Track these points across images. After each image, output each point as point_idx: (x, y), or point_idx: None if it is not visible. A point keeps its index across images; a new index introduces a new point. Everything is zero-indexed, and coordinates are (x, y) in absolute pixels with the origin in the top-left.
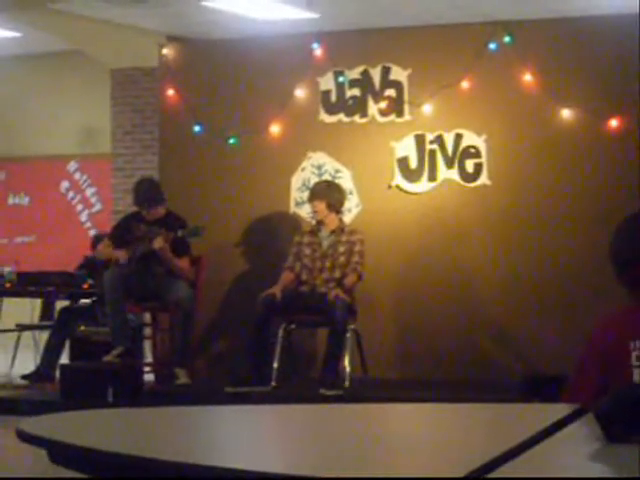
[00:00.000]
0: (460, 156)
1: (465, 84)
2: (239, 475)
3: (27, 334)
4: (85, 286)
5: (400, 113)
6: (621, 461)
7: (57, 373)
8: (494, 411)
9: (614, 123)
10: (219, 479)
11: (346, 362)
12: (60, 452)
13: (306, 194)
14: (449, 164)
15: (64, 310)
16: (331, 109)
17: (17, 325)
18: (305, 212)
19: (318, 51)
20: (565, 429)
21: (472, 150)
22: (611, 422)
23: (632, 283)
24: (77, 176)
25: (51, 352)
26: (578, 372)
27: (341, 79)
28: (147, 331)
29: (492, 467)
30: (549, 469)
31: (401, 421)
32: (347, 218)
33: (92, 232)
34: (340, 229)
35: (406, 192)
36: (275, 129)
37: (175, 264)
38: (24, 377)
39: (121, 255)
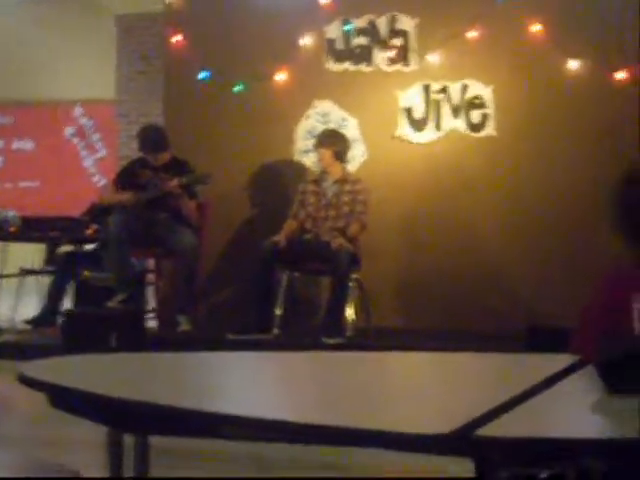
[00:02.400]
0: (466, 106)
1: (472, 34)
2: (238, 421)
3: (31, 279)
4: (89, 231)
5: (406, 62)
6: (621, 412)
7: (60, 318)
8: (496, 361)
9: (622, 74)
10: (218, 424)
11: (349, 311)
12: (61, 396)
13: (311, 142)
14: (455, 114)
15: (68, 255)
16: (337, 57)
17: (21, 269)
18: (310, 160)
19: None
20: (566, 380)
21: (478, 100)
22: (612, 373)
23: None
24: (82, 121)
25: (54, 297)
26: (582, 323)
27: (347, 27)
28: (150, 277)
29: (489, 418)
30: (546, 422)
31: (401, 369)
32: (352, 167)
33: (96, 178)
34: (344, 178)
35: (411, 142)
36: (281, 76)
37: (187, 206)
38: (27, 322)
39: (128, 198)
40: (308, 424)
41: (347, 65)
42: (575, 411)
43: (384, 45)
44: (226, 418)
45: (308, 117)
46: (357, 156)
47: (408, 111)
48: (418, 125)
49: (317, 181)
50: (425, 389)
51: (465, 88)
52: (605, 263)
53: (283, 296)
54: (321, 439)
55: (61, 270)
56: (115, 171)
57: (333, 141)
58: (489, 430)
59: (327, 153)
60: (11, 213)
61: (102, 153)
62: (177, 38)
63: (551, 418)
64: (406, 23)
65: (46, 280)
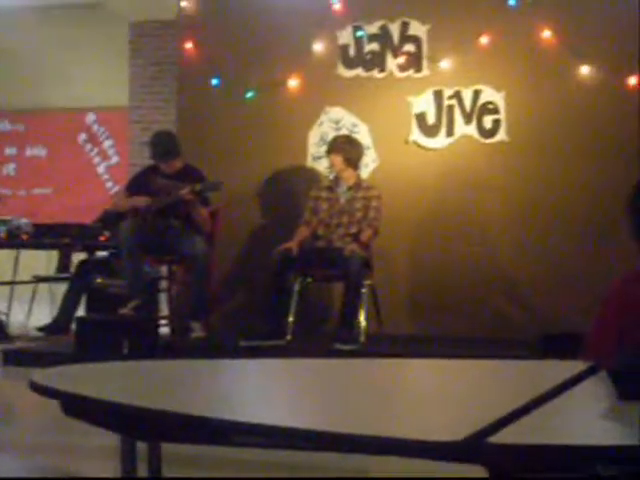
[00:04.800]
0: (478, 112)
1: (484, 40)
2: (250, 428)
3: (43, 286)
4: (102, 238)
5: (418, 68)
6: (633, 419)
7: (73, 325)
8: (509, 367)
9: (633, 80)
10: (230, 432)
11: (362, 317)
12: (74, 404)
13: (323, 148)
14: (467, 120)
15: (81, 262)
16: (349, 63)
17: (34, 277)
18: (322, 167)
19: (337, 5)
20: (578, 386)
21: (490, 106)
22: (624, 380)
23: None
24: (95, 128)
25: (68, 304)
26: (595, 329)
27: (360, 33)
28: (163, 284)
29: (501, 425)
30: (557, 428)
31: (415, 376)
32: (364, 173)
33: (109, 185)
34: (357, 184)
35: (423, 147)
36: (293, 83)
37: (200, 213)
38: (40, 329)
39: (141, 201)
40: (321, 431)
41: (359, 71)
42: (588, 417)
43: (396, 51)
44: (238, 426)
45: (321, 123)
46: (369, 162)
47: (420, 117)
48: (430, 131)
49: (330, 187)
50: (438, 396)
51: (477, 94)
52: (620, 269)
53: (296, 302)
54: (334, 446)
55: (74, 277)
56: (127, 178)
57: (345, 147)
58: (502, 437)
59: (339, 159)
60: (24, 220)
61: (115, 160)
62: (190, 45)
63: (564, 425)
64: (418, 29)
65: (59, 287)
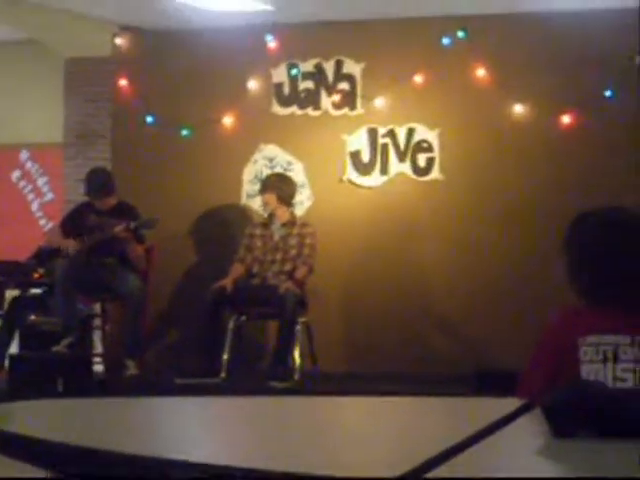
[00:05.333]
0: (412, 150)
1: (418, 78)
2: (183, 466)
3: None
4: (36, 276)
5: (353, 106)
6: (566, 456)
7: (6, 362)
8: (444, 404)
9: (566, 119)
10: (165, 470)
11: (296, 355)
12: (6, 442)
13: (258, 186)
14: (401, 158)
15: (14, 300)
16: (284, 101)
17: None
18: (257, 204)
19: (272, 43)
20: (512, 423)
21: (424, 144)
22: (558, 417)
23: (579, 292)
24: (29, 165)
25: (0, 341)
26: (530, 366)
27: (294, 71)
28: (97, 321)
29: (436, 463)
30: (493, 465)
31: (347, 414)
32: (299, 211)
33: (43, 222)
34: (291, 222)
35: (358, 186)
36: (228, 121)
37: (135, 250)
38: None
39: (70, 245)
40: (255, 469)
41: (294, 109)
42: (522, 454)
43: (331, 89)
44: (171, 463)
45: (255, 161)
46: (304, 200)
47: (355, 155)
48: (365, 169)
49: (264, 224)
50: (373, 433)
51: (411, 132)
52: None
53: (230, 340)
54: None
55: (7, 315)
56: (62, 215)
57: (278, 185)
58: (437, 474)
59: (272, 197)
60: None
61: (49, 197)
62: (124, 82)
63: (498, 461)
64: (352, 67)
65: None
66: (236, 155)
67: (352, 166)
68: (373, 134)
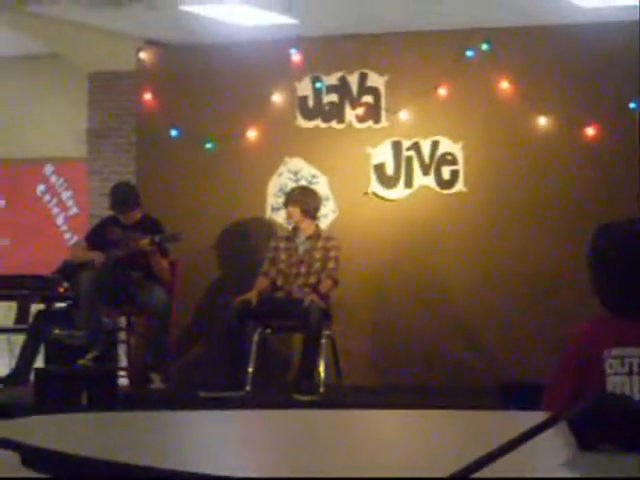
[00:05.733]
0: (437, 163)
1: (442, 91)
2: None
3: (2, 337)
4: (60, 290)
5: (377, 119)
6: (592, 469)
7: (32, 376)
8: (467, 418)
9: (590, 131)
10: None
11: (321, 368)
12: (32, 456)
13: (282, 199)
14: (425, 171)
15: (39, 314)
16: (308, 115)
17: None
18: (281, 218)
19: (296, 57)
20: (538, 437)
21: (449, 157)
22: (583, 430)
23: (603, 304)
24: (53, 179)
25: (26, 356)
26: (555, 379)
27: (318, 85)
28: (122, 335)
29: (464, 476)
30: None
31: (373, 428)
32: (323, 224)
33: (68, 236)
34: (316, 235)
35: (382, 199)
36: (252, 134)
37: (160, 263)
38: None
39: (95, 258)
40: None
41: (318, 122)
42: (548, 467)
43: (355, 102)
44: (196, 477)
45: (280, 174)
46: (329, 213)
47: (379, 168)
48: (389, 182)
49: (289, 238)
50: (399, 447)
51: (435, 145)
52: (577, 318)
53: (255, 353)
54: None
55: (32, 329)
56: (87, 229)
57: (303, 199)
58: None
59: (297, 211)
60: None
61: (74, 211)
62: (148, 96)
63: (525, 474)
64: (376, 80)
65: (18, 338)
66: (260, 168)
67: (376, 179)
68: (397, 147)
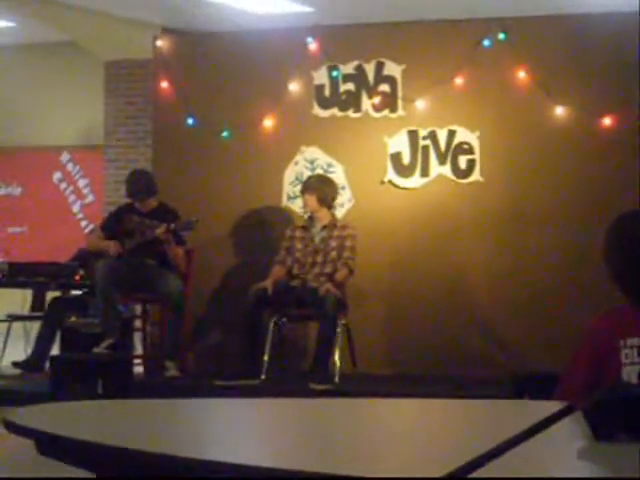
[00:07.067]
0: (453, 152)
1: (459, 80)
2: (227, 468)
3: (18, 324)
4: (76, 277)
5: (394, 108)
6: (608, 459)
7: (47, 364)
8: (483, 407)
9: (608, 121)
10: (204, 471)
11: (336, 357)
12: (47, 443)
13: (298, 188)
14: (442, 160)
15: (55, 301)
16: (325, 103)
17: (8, 315)
18: (297, 206)
19: (312, 45)
20: (553, 426)
21: (465, 146)
22: (599, 420)
23: (623, 290)
24: (69, 167)
25: (42, 343)
26: (570, 369)
27: (335, 74)
28: (137, 323)
29: (478, 464)
30: (535, 467)
31: (389, 416)
32: (339, 213)
33: (84, 223)
34: (332, 224)
35: (398, 187)
36: (268, 123)
37: (176, 252)
38: (15, 363)
39: (112, 246)
40: (296, 471)
41: (334, 111)
42: (563, 457)
43: (371, 91)
44: (211, 465)
45: (296, 163)
46: (345, 202)
47: (395, 157)
48: (405, 171)
49: (305, 227)
50: (413, 435)
51: (452, 134)
52: (594, 308)
53: (270, 342)
54: None
55: (48, 316)
56: (103, 217)
57: (319, 187)
58: (480, 474)
59: (313, 199)
60: None
61: (90, 199)
62: (165, 84)
63: (540, 464)
64: (393, 69)
65: (34, 326)
66: (277, 157)
67: (393, 168)
68: (414, 136)
